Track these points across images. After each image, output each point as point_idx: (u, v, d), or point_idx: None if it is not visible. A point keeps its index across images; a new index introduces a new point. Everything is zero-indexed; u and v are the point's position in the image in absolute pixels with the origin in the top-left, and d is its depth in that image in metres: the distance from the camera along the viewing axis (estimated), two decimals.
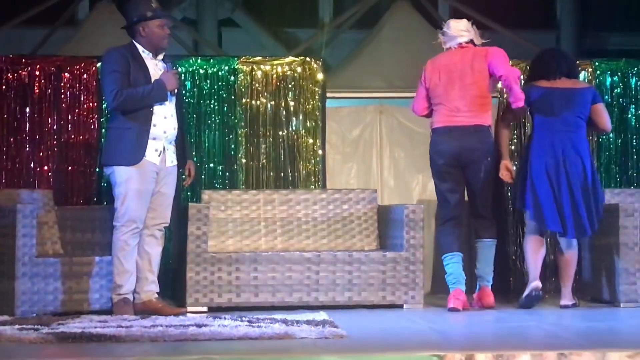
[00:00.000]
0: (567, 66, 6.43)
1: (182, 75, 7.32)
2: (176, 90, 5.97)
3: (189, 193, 7.21)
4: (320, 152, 7.43)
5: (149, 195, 5.88)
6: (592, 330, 5.14)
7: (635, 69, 7.56)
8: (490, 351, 4.18)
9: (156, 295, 5.96)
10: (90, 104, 7.25)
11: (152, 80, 5.88)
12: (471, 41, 6.35)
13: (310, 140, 7.43)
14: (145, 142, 5.83)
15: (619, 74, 7.57)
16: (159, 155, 5.90)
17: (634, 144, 7.52)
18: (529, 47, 10.70)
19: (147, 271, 5.93)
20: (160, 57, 6.01)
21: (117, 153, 5.84)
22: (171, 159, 6.00)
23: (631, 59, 7.70)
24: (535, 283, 6.31)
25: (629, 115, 7.56)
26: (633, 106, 7.55)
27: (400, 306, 6.29)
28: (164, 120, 5.91)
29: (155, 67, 5.96)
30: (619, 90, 7.56)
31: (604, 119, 6.40)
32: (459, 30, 6.36)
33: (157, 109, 5.88)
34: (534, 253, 6.39)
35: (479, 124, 6.19)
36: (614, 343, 4.59)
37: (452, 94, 6.22)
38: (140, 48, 5.94)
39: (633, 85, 7.57)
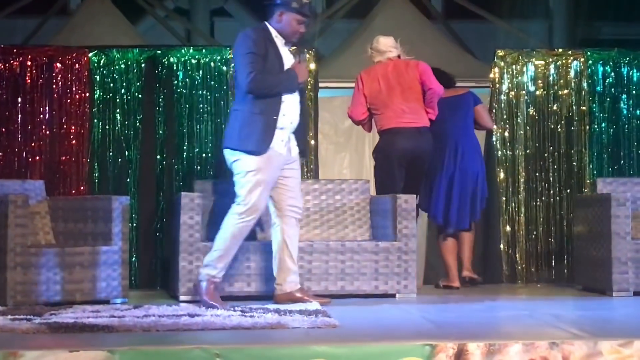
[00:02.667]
0: (445, 79, 6.96)
1: (174, 65, 7.32)
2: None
3: (181, 183, 7.21)
4: (312, 142, 7.42)
5: (272, 186, 5.73)
6: (583, 320, 5.15)
7: (627, 58, 7.57)
8: (482, 340, 4.19)
9: (299, 286, 5.86)
10: (82, 94, 7.24)
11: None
12: (398, 56, 6.88)
13: None
14: (273, 132, 5.64)
15: (611, 63, 7.58)
16: (284, 146, 5.74)
17: (626, 133, 7.54)
18: (522, 37, 10.73)
19: (289, 261, 5.82)
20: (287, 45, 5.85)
21: (244, 139, 5.63)
22: (295, 150, 5.84)
23: (623, 48, 7.71)
24: (456, 284, 6.83)
25: (621, 105, 7.58)
26: (625, 96, 7.57)
27: (393, 296, 6.30)
28: (292, 110, 5.73)
29: (286, 55, 5.82)
30: (611, 80, 7.58)
31: (485, 118, 7.07)
32: (388, 46, 6.90)
33: (286, 98, 5.70)
34: (450, 254, 6.90)
35: (422, 125, 6.69)
36: (606, 332, 4.60)
37: (396, 98, 6.69)
38: (273, 32, 5.77)
39: (625, 75, 7.59)
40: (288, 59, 5.80)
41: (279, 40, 5.77)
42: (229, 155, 5.75)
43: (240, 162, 5.67)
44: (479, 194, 6.92)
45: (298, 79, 5.74)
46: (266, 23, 5.80)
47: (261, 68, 5.63)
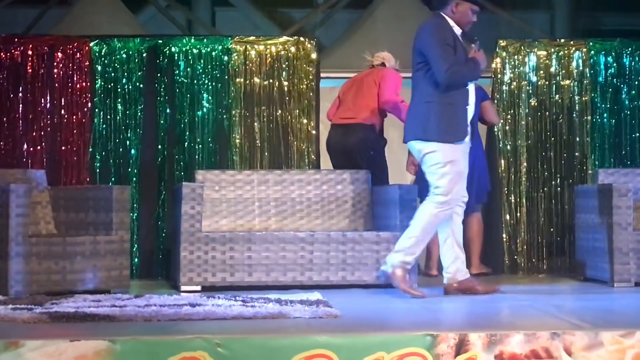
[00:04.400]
0: None
1: (175, 55, 7.31)
2: None
3: (182, 173, 7.21)
4: (314, 132, 7.42)
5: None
6: (585, 310, 5.15)
7: (630, 49, 7.56)
8: (483, 331, 4.18)
9: (469, 275, 5.91)
10: (83, 84, 7.23)
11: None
12: (382, 64, 7.15)
13: (304, 121, 7.42)
14: (466, 121, 5.74)
15: (613, 54, 7.57)
16: (468, 135, 5.82)
17: (628, 123, 7.53)
18: (524, 27, 10.70)
19: (459, 250, 5.84)
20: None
21: (443, 130, 5.66)
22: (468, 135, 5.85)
23: (625, 39, 7.70)
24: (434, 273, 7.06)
25: (623, 96, 7.56)
26: (626, 86, 7.56)
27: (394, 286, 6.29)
28: (472, 98, 5.85)
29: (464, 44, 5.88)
30: (612, 70, 7.57)
31: (491, 114, 7.19)
32: (378, 57, 7.25)
33: (470, 86, 5.80)
34: (434, 244, 6.85)
35: (358, 122, 6.92)
36: (607, 322, 4.60)
37: (350, 96, 7.07)
38: (450, 22, 5.80)
39: (627, 65, 7.57)
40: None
41: (456, 30, 5.81)
42: (423, 146, 5.71)
43: (438, 154, 5.67)
44: (474, 187, 6.93)
45: (480, 66, 5.81)
46: (442, 14, 5.82)
47: (454, 60, 5.66)
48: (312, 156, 7.39)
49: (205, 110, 7.31)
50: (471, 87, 5.82)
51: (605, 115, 7.53)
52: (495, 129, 7.50)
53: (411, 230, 5.74)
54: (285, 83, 7.41)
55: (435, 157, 5.69)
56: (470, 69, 5.75)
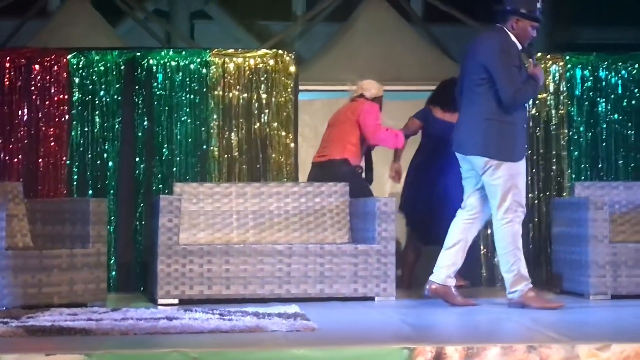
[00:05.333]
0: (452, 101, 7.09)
1: (154, 67, 7.30)
2: None
3: (160, 185, 7.19)
4: (292, 145, 7.42)
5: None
6: (561, 323, 5.17)
7: (606, 62, 7.61)
8: (460, 344, 4.20)
9: (454, 282, 5.99)
10: (61, 96, 7.21)
11: None
12: (361, 95, 7.18)
13: (283, 133, 7.42)
14: (524, 140, 5.89)
15: (590, 67, 7.62)
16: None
17: (604, 137, 7.57)
18: None
19: (460, 259, 5.96)
20: None
21: (503, 149, 5.74)
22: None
23: (601, 52, 7.75)
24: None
25: (599, 109, 7.61)
26: (603, 99, 7.61)
27: (372, 299, 6.30)
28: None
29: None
30: (589, 84, 7.61)
31: None
32: (356, 85, 7.29)
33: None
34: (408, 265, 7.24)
35: (329, 159, 7.03)
36: (583, 335, 4.62)
37: (326, 132, 7.19)
38: (512, 37, 5.82)
39: (603, 79, 7.62)
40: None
41: (519, 45, 5.84)
42: (486, 162, 5.78)
43: (502, 170, 5.74)
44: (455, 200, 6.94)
45: (539, 83, 5.87)
46: (504, 28, 5.83)
47: (519, 81, 5.72)
48: (291, 169, 7.39)
49: (183, 122, 7.30)
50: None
51: (581, 128, 7.57)
52: None
53: (500, 252, 5.89)
54: (264, 96, 7.41)
55: (502, 170, 5.76)
56: (532, 87, 5.83)
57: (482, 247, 7.45)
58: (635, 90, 7.62)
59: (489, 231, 7.41)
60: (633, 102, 7.61)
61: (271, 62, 7.43)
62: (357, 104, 7.13)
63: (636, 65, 7.62)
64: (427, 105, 7.35)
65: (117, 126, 7.23)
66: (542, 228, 7.46)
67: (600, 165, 7.56)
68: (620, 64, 7.63)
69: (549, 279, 7.24)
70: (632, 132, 7.59)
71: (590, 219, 6.30)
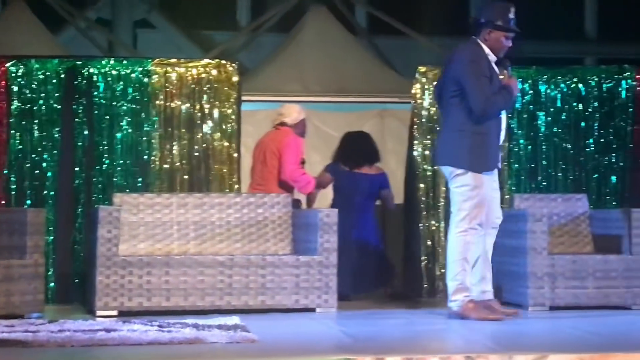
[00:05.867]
0: (369, 154, 7.46)
1: (94, 76, 7.23)
2: None
3: (100, 195, 7.11)
4: (235, 155, 7.39)
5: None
6: (499, 333, 5.21)
7: (545, 76, 7.70)
8: (399, 354, 4.21)
9: (491, 296, 5.97)
10: (0, 105, 7.09)
11: None
12: (283, 123, 7.20)
13: (226, 144, 7.38)
14: (497, 151, 5.90)
15: (530, 81, 7.71)
16: (499, 160, 5.99)
17: (543, 150, 7.66)
18: (444, 53, 10.84)
19: (486, 270, 5.94)
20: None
21: (474, 160, 5.79)
22: (499, 162, 6.01)
23: (541, 66, 7.85)
24: None
25: (539, 122, 7.70)
26: (543, 113, 7.70)
27: (314, 310, 6.29)
28: (504, 125, 5.98)
29: (496, 70, 5.93)
30: (529, 97, 7.70)
31: (388, 202, 7.51)
32: (277, 113, 7.29)
33: (502, 114, 5.91)
34: None
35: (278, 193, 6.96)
36: (521, 346, 4.66)
37: (256, 169, 7.18)
38: (485, 49, 5.86)
39: (543, 92, 7.72)
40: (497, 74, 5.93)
41: (491, 57, 5.88)
42: (454, 168, 5.84)
43: (467, 176, 5.79)
44: (375, 264, 7.31)
45: (513, 94, 5.88)
46: (478, 40, 5.87)
47: (490, 91, 5.76)
48: (233, 179, 7.35)
49: (124, 132, 7.23)
50: (504, 114, 5.94)
51: (521, 141, 7.65)
52: (415, 154, 7.55)
53: (448, 260, 5.90)
54: (207, 106, 7.37)
55: (465, 179, 5.81)
56: (504, 98, 5.86)
57: (423, 259, 7.48)
58: (574, 104, 7.72)
59: (429, 242, 7.46)
60: (572, 115, 7.71)
61: (214, 72, 7.39)
62: (281, 135, 7.12)
63: (575, 79, 7.74)
64: (334, 159, 7.54)
65: (56, 135, 7.14)
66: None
67: (539, 178, 7.65)
68: (559, 77, 7.73)
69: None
70: (571, 145, 7.69)
71: (529, 231, 6.37)
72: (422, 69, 7.66)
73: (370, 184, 7.40)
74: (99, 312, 6.02)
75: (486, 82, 5.79)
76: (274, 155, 7.07)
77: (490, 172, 5.90)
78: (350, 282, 7.11)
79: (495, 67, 5.92)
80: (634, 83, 7.75)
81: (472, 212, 5.80)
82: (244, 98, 7.76)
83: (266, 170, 7.12)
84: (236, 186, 7.32)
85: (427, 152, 7.52)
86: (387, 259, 7.50)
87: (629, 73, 7.76)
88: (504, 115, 5.97)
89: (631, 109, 7.74)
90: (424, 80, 7.61)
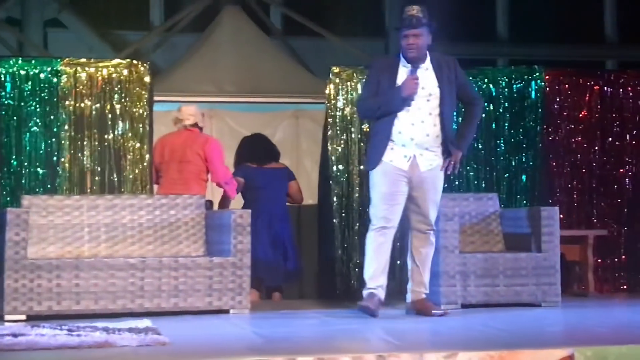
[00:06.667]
0: (269, 153, 7.69)
1: (1, 76, 7.07)
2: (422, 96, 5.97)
3: (8, 198, 6.96)
4: (147, 156, 7.31)
5: (396, 198, 5.95)
6: (412, 332, 5.25)
7: (469, 78, 7.76)
8: (311, 355, 4.21)
9: (424, 296, 6.06)
10: None
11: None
12: (195, 124, 7.23)
13: (137, 144, 7.30)
14: (384, 148, 5.94)
15: None
16: (408, 161, 5.95)
17: None
18: (359, 54, 10.91)
19: (416, 272, 6.07)
20: (421, 64, 5.98)
21: (368, 158, 6.09)
22: (429, 164, 5.99)
23: (465, 68, 7.92)
24: None
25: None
26: (454, 113, 7.75)
27: (227, 311, 6.25)
28: (411, 127, 5.93)
29: (403, 74, 5.96)
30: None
31: (296, 193, 7.68)
32: (187, 114, 7.22)
33: (402, 115, 5.92)
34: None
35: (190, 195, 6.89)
36: (432, 344, 4.71)
37: (172, 169, 7.12)
38: (401, 56, 5.99)
39: None
40: (402, 77, 5.96)
41: (403, 63, 5.98)
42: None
43: (369, 177, 6.09)
44: (289, 257, 7.46)
45: (402, 94, 5.88)
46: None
47: (367, 94, 6.02)
48: (145, 181, 7.27)
49: (32, 133, 7.10)
50: (406, 116, 5.92)
51: None
52: (329, 154, 7.57)
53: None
54: (118, 106, 7.27)
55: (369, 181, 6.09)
56: (380, 101, 5.96)
57: (337, 259, 7.49)
58: (486, 105, 7.82)
59: (343, 242, 7.48)
60: (483, 116, 7.80)
61: (125, 72, 7.30)
62: (202, 138, 7.20)
63: (486, 80, 7.85)
64: (239, 162, 7.66)
65: None
66: (396, 239, 7.54)
67: (452, 178, 7.72)
68: (470, 78, 7.78)
69: (404, 289, 7.34)
70: (482, 145, 7.79)
71: (442, 230, 6.43)
72: (335, 69, 7.68)
73: (281, 176, 7.58)
74: (7, 317, 5.89)
75: (368, 85, 6.06)
76: (198, 157, 7.09)
77: (374, 169, 5.98)
78: (269, 275, 7.36)
79: (404, 71, 5.98)
80: (543, 84, 7.90)
81: (371, 210, 6.04)
82: (157, 98, 7.70)
83: (187, 170, 7.08)
84: (147, 187, 7.24)
85: (340, 153, 7.54)
86: (298, 257, 7.60)
87: (538, 74, 7.91)
88: (411, 118, 5.94)
89: (540, 109, 7.88)
90: (337, 80, 7.62)
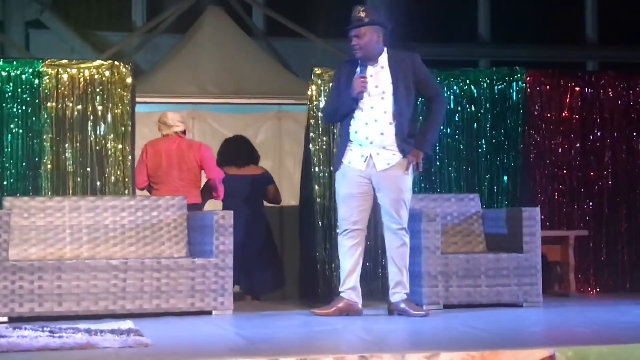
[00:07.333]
0: (250, 156, 7.70)
1: None
2: (371, 94, 5.99)
3: None
4: (129, 157, 7.29)
5: (356, 199, 6.01)
6: (393, 333, 5.26)
7: (439, 78, 7.78)
8: (294, 355, 4.22)
9: (405, 297, 6.07)
10: None
11: None
12: (183, 132, 7.31)
13: (120, 146, 7.29)
14: (344, 150, 6.05)
15: None
16: (365, 161, 5.99)
17: (437, 150, 7.76)
18: (339, 55, 10.93)
19: (394, 273, 6.07)
20: (375, 63, 6.01)
21: (335, 161, 6.21)
22: (386, 163, 5.98)
23: (435, 68, 7.95)
24: None
25: None
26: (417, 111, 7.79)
27: (210, 312, 6.25)
28: (365, 126, 5.96)
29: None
30: (422, 99, 7.78)
31: (274, 197, 7.71)
32: (175, 120, 7.25)
33: (357, 115, 5.98)
34: None
35: (192, 202, 7.01)
36: (414, 345, 4.72)
37: (173, 175, 7.12)
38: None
39: None
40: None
41: (360, 64, 6.02)
42: None
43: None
44: (266, 261, 7.50)
45: (351, 93, 5.94)
46: None
47: (329, 98, 6.21)
48: (127, 182, 7.25)
49: (14, 134, 7.08)
50: (360, 115, 5.97)
51: None
52: (311, 154, 7.57)
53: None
54: (100, 107, 7.26)
55: None
56: (335, 102, 6.08)
57: (319, 260, 7.50)
58: (467, 105, 7.86)
59: (325, 244, 7.49)
60: (465, 116, 7.85)
61: (107, 73, 7.29)
62: (195, 145, 7.27)
63: (467, 81, 7.88)
64: (219, 165, 7.56)
65: None
66: (378, 239, 7.58)
67: (433, 178, 7.75)
68: (452, 79, 7.87)
69: (385, 290, 7.36)
70: (463, 146, 7.83)
71: (423, 231, 6.45)
72: (317, 70, 7.68)
73: (259, 183, 7.58)
74: None
75: (331, 90, 6.25)
76: (195, 163, 7.16)
77: (360, 172, 6.01)
78: (251, 281, 7.39)
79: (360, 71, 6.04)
80: (524, 85, 7.93)
81: (338, 212, 6.15)
82: (139, 100, 7.69)
83: (187, 177, 7.15)
84: (130, 187, 7.23)
85: (322, 154, 7.55)
86: (278, 260, 7.63)
87: (519, 75, 7.94)
88: (363, 117, 5.98)
89: (522, 110, 7.92)
90: (319, 81, 7.63)
